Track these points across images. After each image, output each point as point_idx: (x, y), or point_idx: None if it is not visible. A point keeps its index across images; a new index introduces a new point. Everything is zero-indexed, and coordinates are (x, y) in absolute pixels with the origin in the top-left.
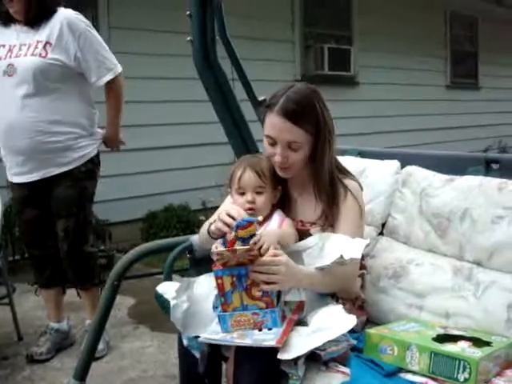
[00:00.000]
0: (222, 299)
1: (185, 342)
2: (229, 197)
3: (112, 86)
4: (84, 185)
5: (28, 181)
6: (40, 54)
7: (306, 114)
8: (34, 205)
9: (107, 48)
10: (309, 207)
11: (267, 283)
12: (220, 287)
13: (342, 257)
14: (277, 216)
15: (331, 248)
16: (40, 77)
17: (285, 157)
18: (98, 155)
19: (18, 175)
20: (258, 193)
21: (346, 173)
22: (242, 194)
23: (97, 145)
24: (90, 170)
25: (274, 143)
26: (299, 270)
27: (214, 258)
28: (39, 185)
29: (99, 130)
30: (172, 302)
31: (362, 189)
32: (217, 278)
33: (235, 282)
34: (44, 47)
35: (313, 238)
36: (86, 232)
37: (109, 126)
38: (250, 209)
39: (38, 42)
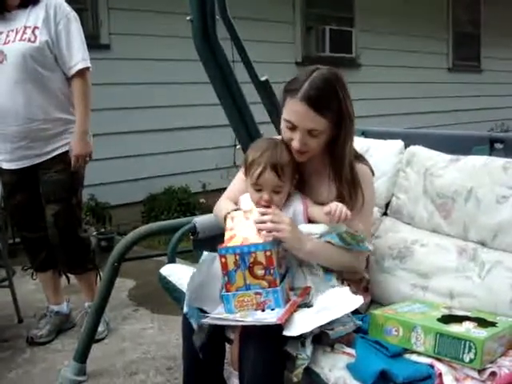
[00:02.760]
0: (226, 278)
1: (185, 309)
2: (240, 174)
3: (81, 80)
4: (76, 168)
5: (18, 167)
6: (29, 39)
7: (329, 102)
8: (24, 189)
9: (84, 41)
10: (323, 189)
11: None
12: (223, 266)
13: (357, 231)
14: (297, 200)
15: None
16: (31, 62)
17: (304, 143)
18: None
19: (7, 162)
20: (276, 192)
21: (359, 157)
22: (259, 190)
23: None
24: None
25: (293, 128)
26: (303, 234)
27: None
28: (29, 170)
29: None
30: (194, 270)
31: (373, 173)
32: (220, 256)
33: (238, 261)
34: (33, 32)
35: (317, 226)
36: (79, 217)
37: (78, 125)
38: (265, 206)
39: (25, 27)
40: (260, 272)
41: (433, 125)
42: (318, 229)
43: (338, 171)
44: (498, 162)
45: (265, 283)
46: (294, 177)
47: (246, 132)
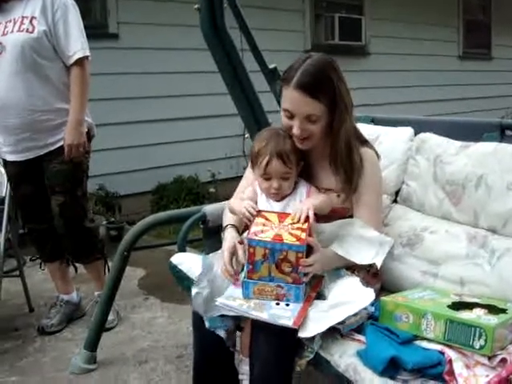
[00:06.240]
0: (250, 266)
1: (207, 325)
2: (249, 169)
3: (80, 69)
4: (79, 159)
5: (22, 159)
6: (27, 30)
7: (322, 86)
8: (29, 181)
9: (83, 30)
10: (325, 174)
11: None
12: (250, 255)
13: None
14: (302, 187)
15: (349, 242)
16: (29, 53)
17: (303, 129)
18: (90, 129)
19: (11, 154)
20: (284, 178)
21: (364, 142)
22: (268, 179)
23: (89, 119)
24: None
25: (291, 116)
26: (331, 255)
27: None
28: (34, 161)
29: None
30: (193, 291)
31: (379, 157)
32: (250, 246)
33: (267, 255)
34: (31, 22)
35: (330, 224)
36: (85, 207)
37: (72, 113)
38: (275, 193)
39: (23, 17)
40: (287, 269)
41: (443, 113)
42: (329, 227)
43: (333, 152)
44: (508, 148)
45: (289, 279)
46: (299, 163)
47: (255, 121)
